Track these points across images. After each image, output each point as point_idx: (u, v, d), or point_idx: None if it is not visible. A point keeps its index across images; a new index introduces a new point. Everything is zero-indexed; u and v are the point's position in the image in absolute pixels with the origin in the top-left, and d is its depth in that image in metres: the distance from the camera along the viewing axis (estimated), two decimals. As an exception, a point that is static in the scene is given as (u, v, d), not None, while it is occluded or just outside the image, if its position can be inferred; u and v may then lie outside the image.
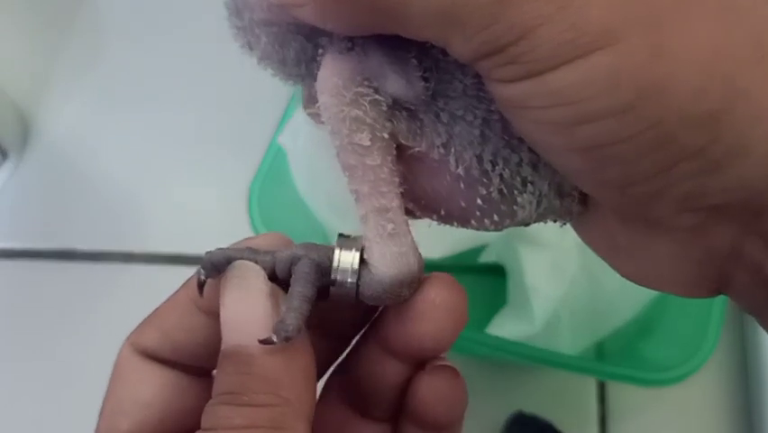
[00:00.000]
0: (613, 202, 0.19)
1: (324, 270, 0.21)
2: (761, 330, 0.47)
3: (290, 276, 0.21)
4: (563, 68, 0.16)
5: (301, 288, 0.21)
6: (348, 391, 0.24)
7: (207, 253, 0.22)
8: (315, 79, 0.21)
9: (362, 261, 0.21)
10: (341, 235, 0.22)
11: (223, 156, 0.60)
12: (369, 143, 0.20)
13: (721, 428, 0.50)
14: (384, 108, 0.21)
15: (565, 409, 0.50)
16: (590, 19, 0.16)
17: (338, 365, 0.25)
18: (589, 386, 0.51)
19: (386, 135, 0.21)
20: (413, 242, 0.21)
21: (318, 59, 0.21)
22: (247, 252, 0.21)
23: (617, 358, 0.49)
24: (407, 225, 0.21)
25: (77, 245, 0.59)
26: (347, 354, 0.25)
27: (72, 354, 0.54)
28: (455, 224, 0.22)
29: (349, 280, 0.21)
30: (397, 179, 0.21)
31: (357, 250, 0.21)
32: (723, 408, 0.50)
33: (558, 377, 0.50)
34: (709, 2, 0.17)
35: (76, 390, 0.49)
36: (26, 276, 0.59)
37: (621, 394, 0.51)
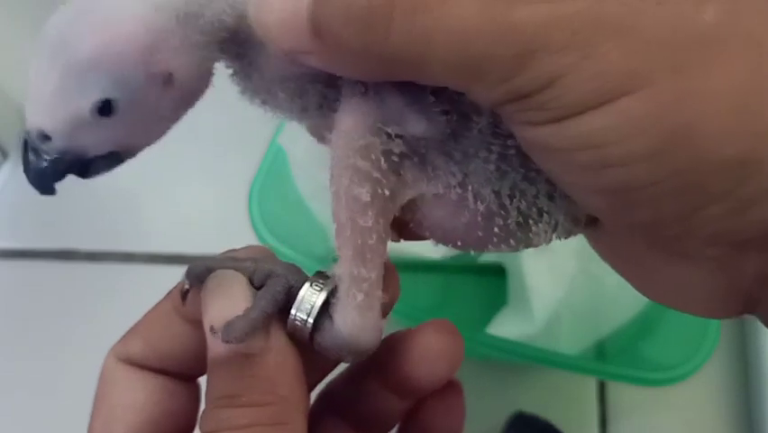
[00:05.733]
0: (638, 236, 0.19)
1: (293, 295, 0.21)
2: (761, 329, 0.47)
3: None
4: (590, 113, 0.16)
5: (265, 302, 0.20)
6: (343, 409, 0.25)
7: (190, 265, 0.22)
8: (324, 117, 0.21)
9: (327, 306, 0.21)
10: (318, 272, 0.22)
11: (223, 156, 0.60)
12: (368, 199, 0.20)
13: (721, 428, 0.50)
14: (395, 159, 0.20)
15: (565, 409, 0.50)
16: (615, 65, 0.16)
17: (333, 384, 0.25)
18: (590, 386, 0.51)
19: (387, 192, 0.20)
20: (378, 317, 0.21)
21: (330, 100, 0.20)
22: (228, 260, 0.22)
23: (617, 358, 0.49)
24: (379, 300, 0.21)
25: (77, 245, 0.59)
26: (342, 377, 0.25)
27: (72, 354, 0.54)
28: (471, 251, 0.22)
29: (308, 319, 0.21)
30: (383, 247, 0.20)
31: (325, 292, 0.21)
32: (723, 408, 0.50)
33: (558, 377, 0.50)
34: (733, 41, 0.16)
35: (75, 389, 0.49)
36: (26, 276, 0.59)
37: (621, 394, 0.51)
